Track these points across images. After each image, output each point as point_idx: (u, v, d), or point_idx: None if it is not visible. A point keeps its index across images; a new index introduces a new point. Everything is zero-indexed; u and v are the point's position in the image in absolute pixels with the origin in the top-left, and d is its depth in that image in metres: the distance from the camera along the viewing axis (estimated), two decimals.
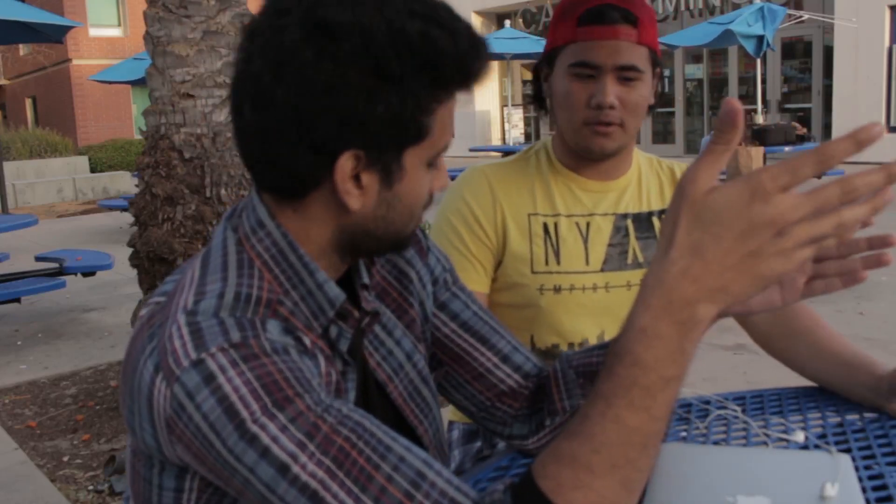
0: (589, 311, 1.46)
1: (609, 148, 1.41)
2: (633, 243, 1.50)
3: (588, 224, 1.48)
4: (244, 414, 0.71)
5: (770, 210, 0.65)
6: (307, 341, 0.81)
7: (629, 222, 1.50)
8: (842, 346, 1.31)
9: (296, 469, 0.70)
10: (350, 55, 0.75)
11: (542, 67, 1.47)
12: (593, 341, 1.47)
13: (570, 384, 1.06)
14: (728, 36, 10.56)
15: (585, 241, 1.47)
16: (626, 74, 1.35)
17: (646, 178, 1.54)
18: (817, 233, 0.66)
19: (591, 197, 1.49)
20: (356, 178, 0.81)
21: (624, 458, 0.71)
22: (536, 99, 1.52)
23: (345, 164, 0.79)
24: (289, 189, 0.83)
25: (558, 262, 1.45)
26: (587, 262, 1.46)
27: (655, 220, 1.52)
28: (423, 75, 0.78)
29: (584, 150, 1.43)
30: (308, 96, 0.77)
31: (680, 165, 1.58)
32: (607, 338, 1.45)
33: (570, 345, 1.46)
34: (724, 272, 0.68)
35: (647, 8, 1.37)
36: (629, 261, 1.49)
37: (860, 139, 0.63)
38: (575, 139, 1.42)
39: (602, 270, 1.47)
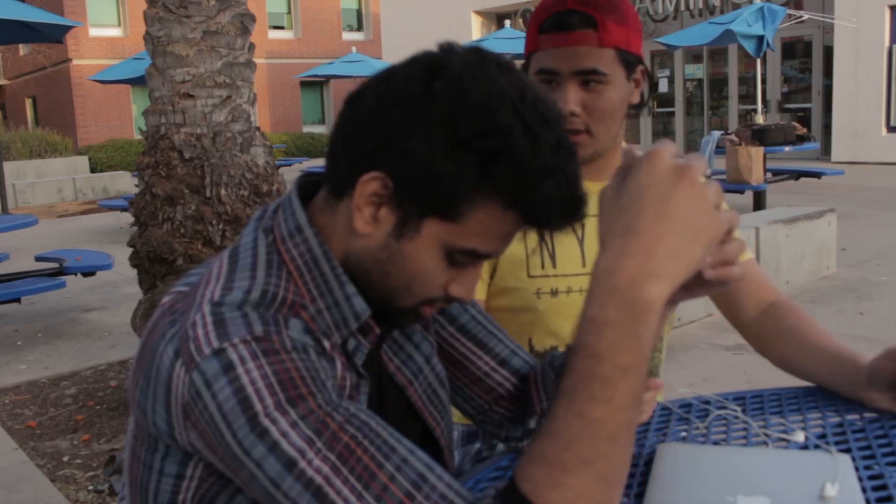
0: None
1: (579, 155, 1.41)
2: None
3: (583, 225, 1.48)
4: (258, 407, 0.72)
5: (666, 161, 0.72)
6: (326, 344, 0.83)
7: None
8: (828, 342, 1.32)
9: (302, 464, 0.71)
10: (434, 93, 0.77)
11: (524, 70, 1.47)
12: None
13: (549, 386, 1.06)
14: (728, 36, 10.55)
15: (581, 242, 1.47)
16: (587, 79, 1.35)
17: None
18: (716, 186, 0.73)
19: None
20: (377, 207, 0.81)
21: (594, 453, 0.70)
22: None
23: (369, 181, 0.79)
24: (332, 185, 0.85)
25: (554, 265, 1.45)
26: (583, 265, 1.46)
27: None
28: (477, 157, 0.76)
29: None
30: (381, 104, 0.80)
31: None
32: None
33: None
34: (663, 239, 0.70)
35: (616, 8, 1.34)
36: None
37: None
38: None
39: None
